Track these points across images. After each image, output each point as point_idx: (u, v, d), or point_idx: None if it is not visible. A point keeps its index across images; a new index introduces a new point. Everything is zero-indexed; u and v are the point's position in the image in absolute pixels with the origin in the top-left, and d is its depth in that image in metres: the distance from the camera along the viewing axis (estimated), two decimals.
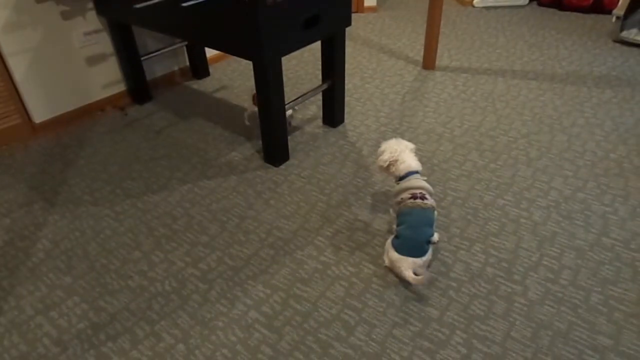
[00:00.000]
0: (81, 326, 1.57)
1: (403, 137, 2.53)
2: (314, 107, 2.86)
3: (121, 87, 2.95)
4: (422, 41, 3.31)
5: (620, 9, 3.65)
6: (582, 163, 2.30)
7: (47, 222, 2.02)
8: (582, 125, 2.62)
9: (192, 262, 1.80)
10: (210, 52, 3.36)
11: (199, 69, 3.25)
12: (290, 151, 2.40)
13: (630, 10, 3.66)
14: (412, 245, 1.61)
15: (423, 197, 1.66)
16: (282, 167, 2.33)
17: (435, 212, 1.71)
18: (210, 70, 3.36)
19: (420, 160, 1.80)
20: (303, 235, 1.91)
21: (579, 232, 1.88)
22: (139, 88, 2.92)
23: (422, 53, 3.39)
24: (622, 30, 3.68)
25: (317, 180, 2.23)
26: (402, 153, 1.77)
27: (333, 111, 2.61)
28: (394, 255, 1.62)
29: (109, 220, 2.02)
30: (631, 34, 3.67)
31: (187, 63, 3.27)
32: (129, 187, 2.23)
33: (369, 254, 1.81)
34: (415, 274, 1.59)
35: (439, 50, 3.36)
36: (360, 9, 4.59)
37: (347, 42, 2.46)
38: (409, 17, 4.45)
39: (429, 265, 1.71)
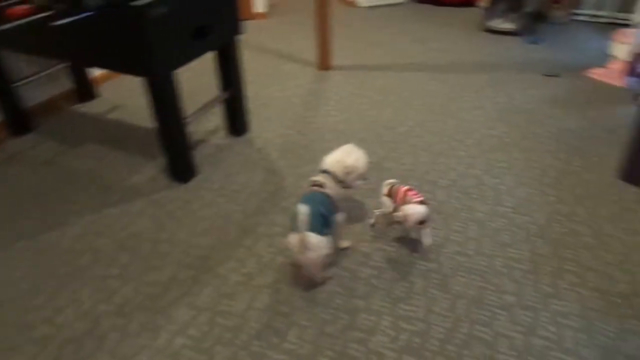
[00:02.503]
0: None
1: (309, 138, 2.59)
2: (216, 118, 2.80)
3: None
4: (315, 43, 3.41)
5: (485, 2, 4.08)
6: (471, 142, 2.53)
7: None
8: (467, 108, 2.88)
9: (104, 297, 1.67)
10: (97, 72, 3.14)
11: (86, 90, 3.02)
12: (197, 166, 2.32)
13: (493, 3, 4.10)
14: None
15: (320, 186, 1.72)
16: (191, 183, 2.25)
17: (335, 200, 1.72)
18: (99, 90, 3.14)
19: None
20: (222, 249, 1.86)
21: (477, 205, 2.07)
22: (16, 118, 2.64)
23: (316, 55, 3.48)
24: (488, 20, 4.12)
25: (229, 191, 2.19)
26: (340, 150, 1.84)
27: (236, 120, 2.59)
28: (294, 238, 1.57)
29: (1, 269, 1.80)
30: (496, 23, 4.12)
31: (72, 85, 3.02)
32: (21, 227, 2.00)
33: (291, 257, 1.81)
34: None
35: (332, 51, 3.48)
36: (251, 15, 4.59)
37: (241, 50, 2.44)
38: (300, 21, 4.54)
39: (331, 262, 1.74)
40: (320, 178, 1.76)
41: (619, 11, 4.18)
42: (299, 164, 2.37)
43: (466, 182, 2.21)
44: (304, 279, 1.69)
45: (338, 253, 1.81)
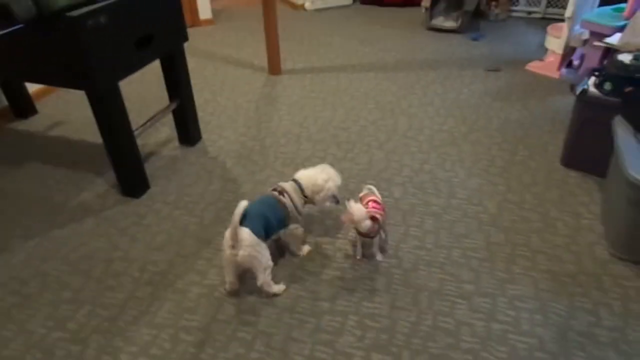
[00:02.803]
0: None
1: (264, 143, 2.57)
2: (167, 128, 2.73)
3: None
4: (265, 48, 3.39)
5: (427, 2, 4.20)
6: (422, 138, 2.59)
7: None
8: (417, 105, 2.95)
9: (57, 324, 1.58)
10: (34, 87, 2.97)
11: (23, 107, 2.85)
12: (149, 178, 2.25)
13: (435, 2, 4.23)
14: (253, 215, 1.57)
15: (281, 193, 1.71)
16: (144, 197, 2.18)
17: (289, 211, 1.71)
18: (38, 106, 2.98)
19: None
20: (181, 263, 1.81)
21: (432, 199, 2.12)
22: None
23: (266, 60, 3.46)
24: (431, 19, 4.24)
25: (184, 203, 2.13)
26: (315, 168, 1.80)
27: (188, 130, 2.53)
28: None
29: None
30: (439, 22, 4.25)
31: (6, 102, 2.85)
32: None
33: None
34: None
35: (282, 55, 3.47)
36: (197, 22, 4.51)
37: (189, 58, 2.39)
38: (248, 26, 4.50)
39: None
40: (285, 185, 1.74)
41: (552, 7, 4.44)
42: (255, 170, 2.34)
43: (420, 178, 2.27)
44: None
45: (301, 259, 1.81)
